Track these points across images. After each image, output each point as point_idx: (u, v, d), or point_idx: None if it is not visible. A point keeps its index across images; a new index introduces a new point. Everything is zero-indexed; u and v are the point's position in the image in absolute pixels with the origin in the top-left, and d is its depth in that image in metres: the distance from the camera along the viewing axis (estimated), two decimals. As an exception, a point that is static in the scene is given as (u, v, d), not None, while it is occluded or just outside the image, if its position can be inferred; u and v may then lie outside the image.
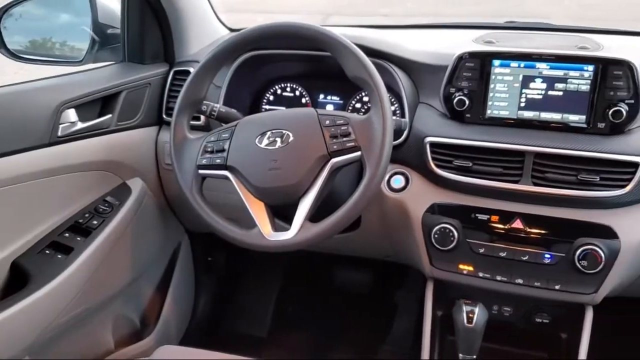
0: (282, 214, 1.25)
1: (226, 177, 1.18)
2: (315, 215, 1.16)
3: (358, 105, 1.49)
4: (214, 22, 1.68)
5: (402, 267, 1.57)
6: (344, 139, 1.13)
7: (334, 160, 1.13)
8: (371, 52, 1.31)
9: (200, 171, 1.20)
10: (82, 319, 1.41)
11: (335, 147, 1.13)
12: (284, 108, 1.53)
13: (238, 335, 2.00)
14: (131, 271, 1.55)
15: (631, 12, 5.48)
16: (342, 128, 1.14)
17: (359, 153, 1.13)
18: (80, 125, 1.33)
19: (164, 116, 1.54)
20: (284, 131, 1.16)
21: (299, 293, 2.07)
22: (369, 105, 1.17)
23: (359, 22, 1.68)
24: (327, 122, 1.15)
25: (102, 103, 1.42)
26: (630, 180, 1.16)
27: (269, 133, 1.17)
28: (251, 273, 2.07)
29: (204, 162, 1.19)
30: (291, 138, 1.15)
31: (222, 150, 1.18)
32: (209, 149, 1.20)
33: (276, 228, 1.16)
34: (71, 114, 1.32)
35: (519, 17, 1.76)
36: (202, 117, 1.46)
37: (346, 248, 1.59)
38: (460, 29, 1.68)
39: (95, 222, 1.39)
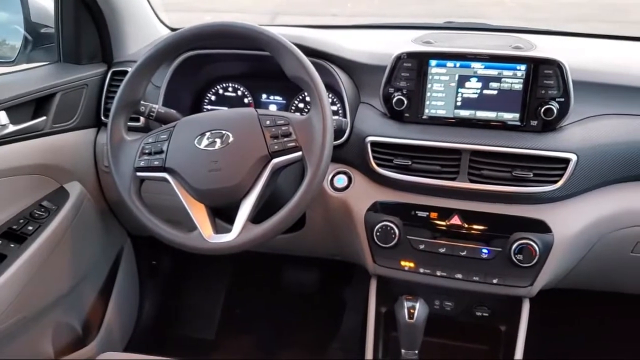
0: (224, 215, 1.24)
1: (165, 180, 1.16)
2: (258, 216, 1.15)
3: (301, 105, 1.50)
4: (154, 21, 1.66)
5: (349, 265, 1.59)
6: (285, 139, 1.13)
7: (275, 160, 1.13)
8: (311, 52, 1.32)
9: (138, 173, 1.18)
10: (20, 328, 1.36)
11: (276, 147, 1.13)
12: (225, 108, 1.51)
13: (185, 339, 1.98)
14: (71, 277, 1.51)
15: (572, 13, 5.70)
16: (283, 128, 1.14)
17: (299, 153, 1.13)
18: (11, 128, 1.28)
19: (102, 118, 1.50)
20: (223, 132, 1.15)
21: (246, 294, 2.06)
22: None
23: (308, 22, 1.68)
24: (268, 122, 1.15)
25: (35, 105, 1.37)
26: (561, 175, 1.21)
27: (208, 134, 1.15)
28: (198, 276, 2.05)
29: (141, 164, 1.17)
30: (231, 139, 1.14)
31: (160, 152, 1.17)
32: (146, 151, 1.18)
33: (217, 230, 1.15)
34: (2, 116, 1.27)
35: (463, 17, 1.81)
36: (142, 119, 1.44)
37: (292, 248, 1.59)
38: (401, 30, 1.71)
39: (30, 227, 1.34)
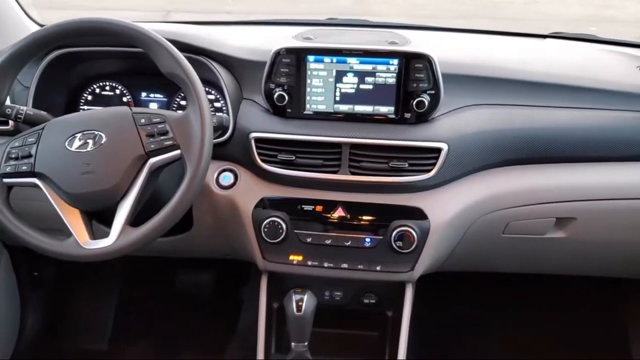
0: (104, 219, 1.20)
1: (35, 185, 1.11)
2: (139, 219, 1.12)
3: (183, 103, 1.47)
4: (22, 19, 1.56)
5: (244, 263, 1.58)
6: (162, 137, 1.11)
7: (153, 160, 1.11)
8: (188, 48, 1.31)
9: (5, 180, 1.11)
10: None
11: (152, 146, 1.10)
12: (100, 108, 1.45)
13: (75, 350, 1.89)
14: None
15: (457, 10, 6.01)
16: (159, 126, 1.12)
17: (178, 151, 1.11)
18: None
19: None
20: (95, 132, 1.11)
21: (140, 300, 2.00)
22: None
23: (201, 19, 1.66)
24: (143, 120, 1.12)
25: None
26: (434, 165, 1.27)
27: (79, 135, 1.11)
28: (87, 284, 1.96)
29: (8, 170, 1.11)
30: (104, 139, 1.11)
31: (29, 156, 1.11)
32: (13, 155, 1.11)
33: (94, 236, 1.11)
34: None
35: (354, 15, 1.85)
36: (11, 122, 1.35)
37: (182, 250, 1.56)
38: (284, 26, 1.72)
39: None
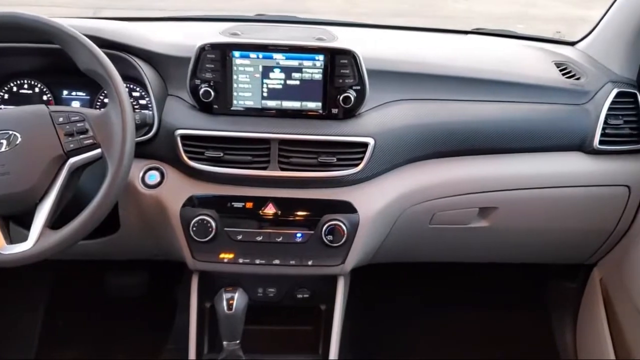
0: (23, 222, 1.15)
1: None
2: (62, 221, 1.09)
3: (107, 101, 1.42)
4: None
5: (177, 263, 1.55)
6: (81, 136, 1.08)
7: (73, 160, 1.08)
8: (108, 44, 1.27)
9: None
10: None
11: (72, 145, 1.08)
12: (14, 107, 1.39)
13: (-1, 363, 1.80)
14: None
15: (393, 8, 6.11)
16: (79, 125, 1.09)
17: (99, 150, 1.09)
18: None
19: None
20: (10, 132, 1.07)
21: (70, 306, 1.93)
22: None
23: (133, 16, 1.62)
24: (61, 119, 1.09)
25: None
26: (362, 159, 1.29)
27: None
28: (10, 291, 1.87)
29: None
30: (19, 139, 1.07)
31: None
32: None
33: (12, 240, 1.07)
34: None
35: (289, 11, 1.84)
36: None
37: (111, 252, 1.52)
38: (212, 22, 1.70)
39: None
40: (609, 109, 1.42)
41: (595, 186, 1.44)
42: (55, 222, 1.11)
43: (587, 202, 1.46)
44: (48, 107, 1.10)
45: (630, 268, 1.50)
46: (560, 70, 1.52)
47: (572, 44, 1.71)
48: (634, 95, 1.44)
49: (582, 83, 1.47)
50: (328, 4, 6.16)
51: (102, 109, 1.11)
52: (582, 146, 1.42)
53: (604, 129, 1.41)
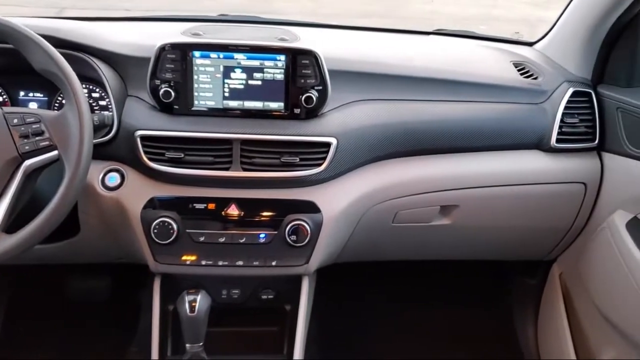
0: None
1: None
2: (18, 225, 1.06)
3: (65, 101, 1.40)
4: None
5: (140, 266, 1.53)
6: (37, 137, 1.06)
7: (28, 162, 1.06)
8: (66, 44, 1.25)
9: None
10: None
11: (27, 147, 1.06)
12: None
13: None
14: None
15: (360, 9, 6.15)
16: (34, 126, 1.07)
17: (56, 152, 1.07)
18: None
19: None
20: None
21: (30, 312, 1.88)
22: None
23: (97, 16, 1.59)
24: (16, 120, 1.07)
25: None
26: (324, 159, 1.29)
27: None
28: None
29: None
30: None
31: None
32: None
33: None
34: None
35: (253, 12, 1.83)
36: None
37: (71, 256, 1.49)
38: (174, 22, 1.69)
39: None
40: (565, 107, 1.45)
41: (552, 183, 1.48)
42: (11, 226, 1.08)
43: (545, 199, 1.49)
44: (2, 109, 1.08)
45: (587, 263, 1.54)
46: (518, 70, 1.55)
47: (531, 44, 1.75)
48: (589, 95, 1.48)
49: (540, 83, 1.50)
50: (294, 4, 6.17)
51: (58, 111, 1.09)
52: (540, 144, 1.46)
53: (560, 127, 1.45)
